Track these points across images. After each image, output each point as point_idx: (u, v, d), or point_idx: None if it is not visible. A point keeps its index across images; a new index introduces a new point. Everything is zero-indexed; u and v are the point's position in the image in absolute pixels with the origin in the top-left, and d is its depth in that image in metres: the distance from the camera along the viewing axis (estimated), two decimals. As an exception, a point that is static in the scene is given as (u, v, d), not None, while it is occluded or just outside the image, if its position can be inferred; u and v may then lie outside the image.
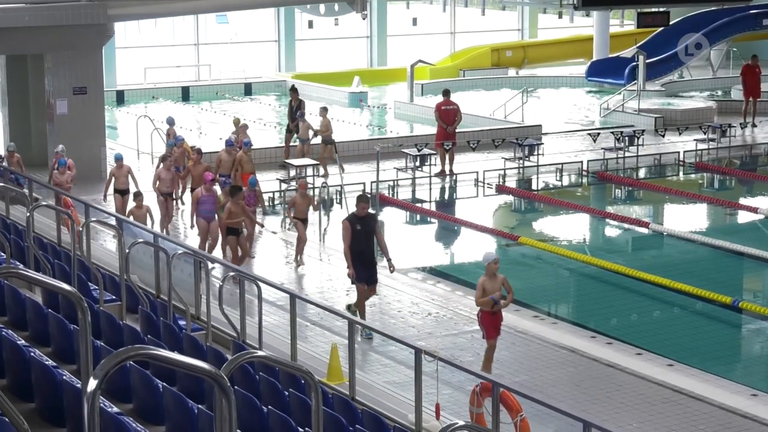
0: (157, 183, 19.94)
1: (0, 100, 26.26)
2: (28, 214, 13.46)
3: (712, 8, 36.18)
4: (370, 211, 16.09)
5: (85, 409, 4.73)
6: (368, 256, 15.16)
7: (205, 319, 12.83)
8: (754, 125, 30.16)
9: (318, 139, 24.81)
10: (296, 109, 25.48)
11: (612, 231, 22.21)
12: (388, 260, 15.12)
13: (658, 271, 17.92)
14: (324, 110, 25.18)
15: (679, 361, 14.31)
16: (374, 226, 15.29)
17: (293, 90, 26.88)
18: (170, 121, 24.50)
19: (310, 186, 22.46)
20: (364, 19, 29.29)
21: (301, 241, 18.35)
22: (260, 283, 12.96)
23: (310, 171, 23.06)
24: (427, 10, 51.86)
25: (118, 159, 20.33)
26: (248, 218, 17.92)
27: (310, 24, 40.68)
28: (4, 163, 20.60)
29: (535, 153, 25.33)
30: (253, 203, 19.08)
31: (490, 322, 13.58)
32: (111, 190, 20.24)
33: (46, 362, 8.16)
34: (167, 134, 24.22)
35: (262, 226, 20.07)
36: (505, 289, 13.67)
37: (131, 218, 17.34)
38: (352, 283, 15.34)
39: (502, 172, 24.74)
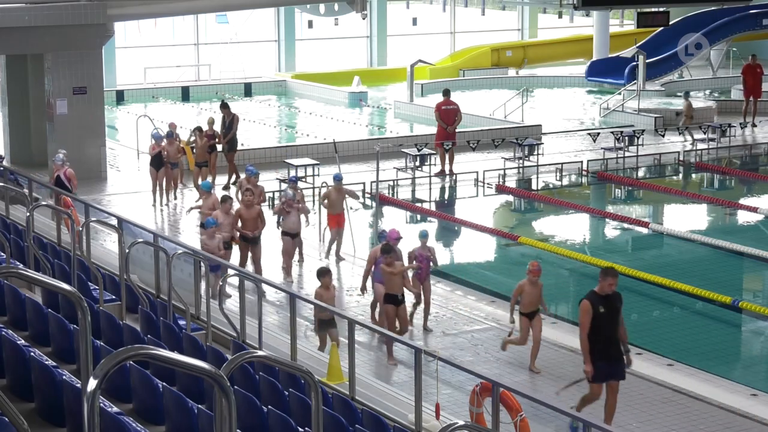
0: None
1: (0, 100, 26.27)
2: (28, 214, 13.46)
3: (712, 8, 36.21)
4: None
5: (84, 409, 4.73)
6: (613, 344, 12.11)
7: (205, 319, 12.83)
8: (754, 125, 30.16)
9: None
10: (229, 125, 23.99)
11: (612, 231, 22.21)
12: (626, 352, 12.25)
13: (658, 271, 17.92)
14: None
15: (679, 361, 14.31)
16: (620, 306, 12.23)
17: (224, 106, 24.51)
18: (168, 134, 22.69)
19: (309, 186, 22.47)
20: (363, 19, 29.34)
21: None
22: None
23: (310, 171, 23.08)
24: (427, 10, 51.89)
25: (221, 199, 17.30)
26: (408, 284, 14.72)
27: (310, 24, 40.70)
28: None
29: (535, 153, 25.35)
30: (426, 269, 15.46)
31: None
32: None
33: (46, 362, 8.16)
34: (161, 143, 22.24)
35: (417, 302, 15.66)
36: None
37: (317, 299, 13.72)
38: (589, 381, 12.16)
39: (502, 172, 24.75)
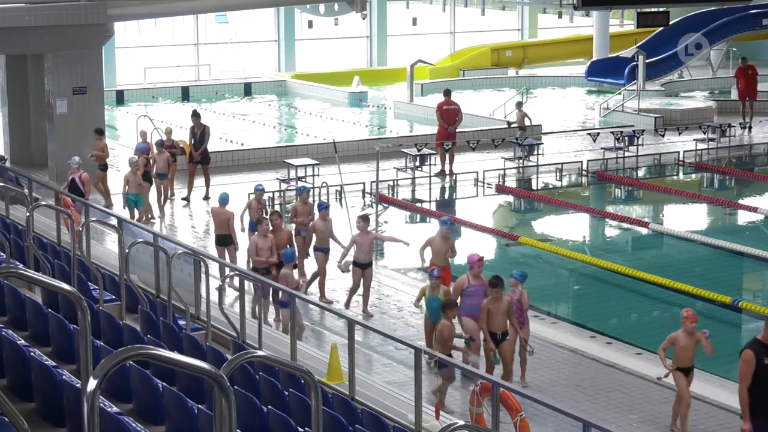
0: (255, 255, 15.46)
1: (0, 100, 26.27)
2: (28, 214, 13.46)
3: (712, 8, 36.21)
4: None
5: (84, 409, 4.73)
6: None
7: (204, 319, 12.83)
8: (750, 126, 30.17)
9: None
10: (200, 136, 22.76)
11: (612, 231, 22.21)
12: None
13: (658, 271, 17.93)
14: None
15: (679, 361, 14.28)
16: None
17: (195, 115, 23.23)
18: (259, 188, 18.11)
19: (309, 185, 22.46)
20: (363, 19, 29.31)
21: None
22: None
23: (309, 171, 23.08)
24: (427, 10, 51.91)
25: (256, 220, 16.15)
26: (513, 324, 13.32)
27: (310, 24, 40.71)
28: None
29: (535, 153, 25.36)
30: (521, 313, 13.49)
31: None
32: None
33: (46, 362, 8.16)
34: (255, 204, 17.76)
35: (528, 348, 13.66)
36: None
37: (441, 331, 12.70)
38: None
39: (502, 172, 24.75)
